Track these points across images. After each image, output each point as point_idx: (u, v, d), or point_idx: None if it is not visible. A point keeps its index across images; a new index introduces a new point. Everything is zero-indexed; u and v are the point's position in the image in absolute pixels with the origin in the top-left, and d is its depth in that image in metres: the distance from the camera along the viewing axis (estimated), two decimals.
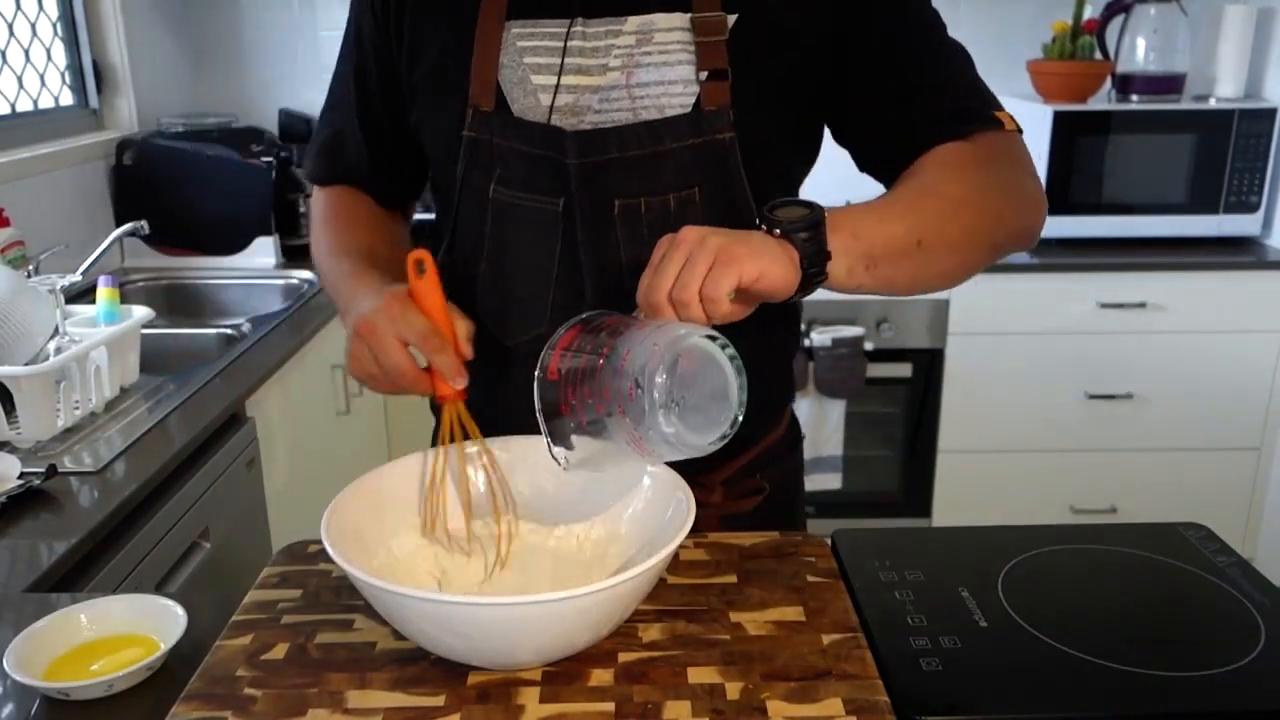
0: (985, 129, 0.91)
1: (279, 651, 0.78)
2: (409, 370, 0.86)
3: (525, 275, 0.97)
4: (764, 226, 0.79)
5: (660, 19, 0.92)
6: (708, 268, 0.74)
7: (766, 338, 1.00)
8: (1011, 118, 0.92)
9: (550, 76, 0.93)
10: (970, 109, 0.92)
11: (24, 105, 2.24)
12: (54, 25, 2.36)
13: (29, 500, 1.23)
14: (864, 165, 0.98)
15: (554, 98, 0.93)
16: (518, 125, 0.94)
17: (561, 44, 0.93)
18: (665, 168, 0.92)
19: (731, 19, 0.91)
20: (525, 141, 0.94)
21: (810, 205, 0.80)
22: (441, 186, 1.04)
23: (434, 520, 0.86)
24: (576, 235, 0.94)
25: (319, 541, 0.93)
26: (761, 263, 0.75)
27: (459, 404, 0.88)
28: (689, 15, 0.91)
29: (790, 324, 1.08)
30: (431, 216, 1.15)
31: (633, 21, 0.92)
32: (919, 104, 0.92)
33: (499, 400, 0.95)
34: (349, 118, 1.08)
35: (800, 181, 1.04)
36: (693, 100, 0.92)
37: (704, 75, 0.91)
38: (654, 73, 0.91)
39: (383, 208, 1.13)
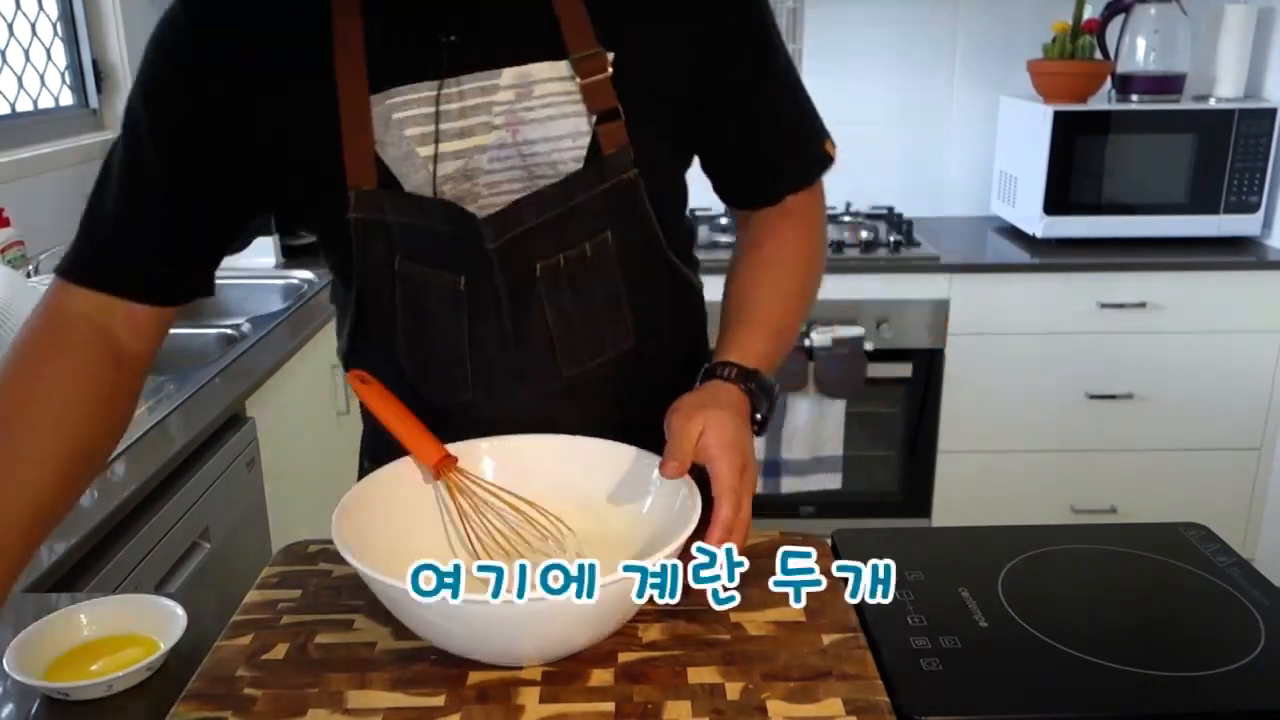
0: (822, 172, 1.03)
1: (279, 651, 0.78)
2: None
3: (442, 344, 0.95)
4: (739, 382, 0.89)
5: (537, 69, 0.87)
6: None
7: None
8: (832, 143, 1.02)
9: (432, 146, 0.88)
10: (813, 156, 1.01)
11: (24, 105, 2.24)
12: (54, 25, 2.36)
13: None
14: (723, 195, 1.05)
15: (435, 166, 0.88)
16: (411, 201, 0.89)
17: (434, 109, 0.87)
18: (577, 219, 0.90)
19: (611, 56, 0.88)
20: (425, 218, 0.90)
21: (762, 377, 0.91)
22: (335, 261, 0.99)
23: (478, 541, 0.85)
24: (490, 306, 0.91)
25: (319, 541, 0.94)
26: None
27: (449, 472, 0.87)
28: (567, 61, 0.87)
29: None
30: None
31: (508, 74, 0.87)
32: (775, 156, 1.00)
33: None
34: (138, 204, 0.97)
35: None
36: (584, 152, 0.89)
37: (594, 119, 0.88)
38: (540, 129, 0.87)
39: (154, 305, 0.99)
